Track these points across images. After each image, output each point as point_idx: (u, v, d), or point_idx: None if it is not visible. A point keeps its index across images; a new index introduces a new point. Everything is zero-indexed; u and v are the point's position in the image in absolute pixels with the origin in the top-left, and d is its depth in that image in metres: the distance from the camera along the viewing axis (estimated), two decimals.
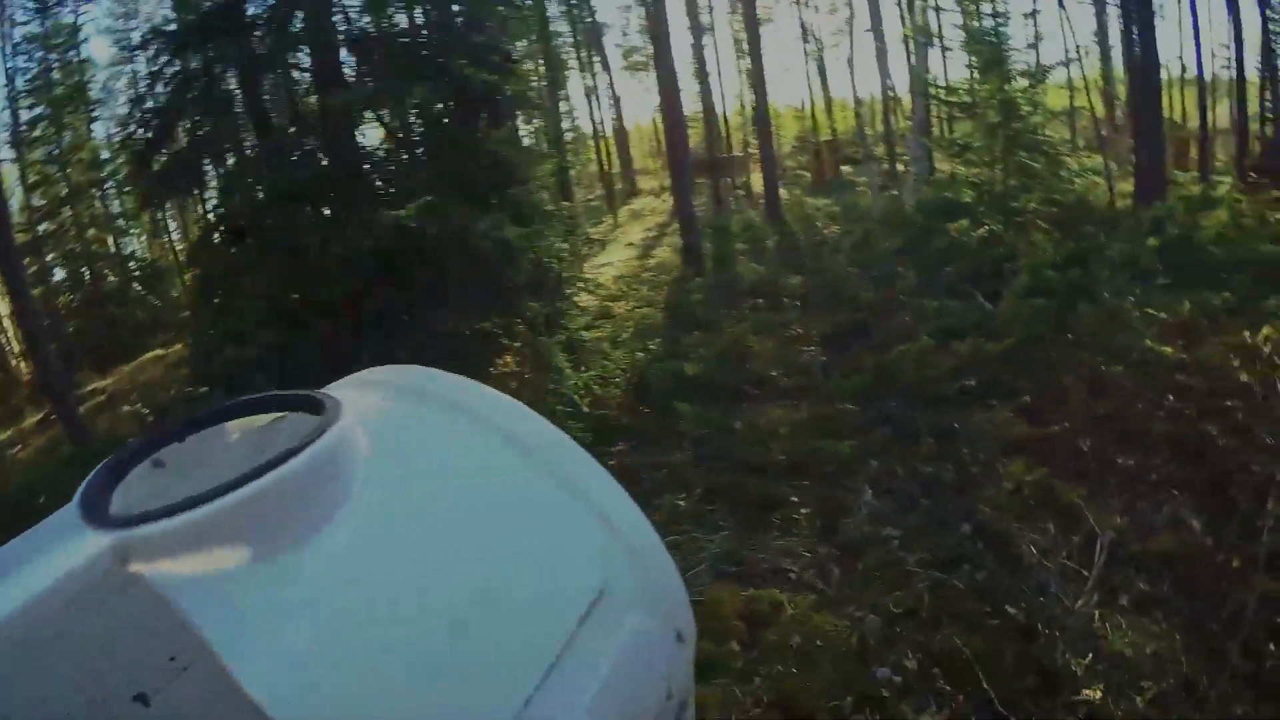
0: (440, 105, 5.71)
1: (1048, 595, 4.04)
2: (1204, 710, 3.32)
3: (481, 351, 5.37)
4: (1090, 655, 3.63)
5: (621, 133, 29.84)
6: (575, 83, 27.82)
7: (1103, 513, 4.52)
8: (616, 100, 28.53)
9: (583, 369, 6.93)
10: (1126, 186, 14.79)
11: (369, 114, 6.16)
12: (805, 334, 9.14)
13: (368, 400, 0.99)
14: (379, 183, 5.67)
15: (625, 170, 29.41)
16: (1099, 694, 3.40)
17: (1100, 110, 19.18)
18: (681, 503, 5.58)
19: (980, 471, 5.33)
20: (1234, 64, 16.90)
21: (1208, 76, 17.92)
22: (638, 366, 7.62)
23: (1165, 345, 6.62)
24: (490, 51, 5.62)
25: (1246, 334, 6.44)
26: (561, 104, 22.88)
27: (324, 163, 5.85)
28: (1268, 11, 15.47)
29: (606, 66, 27.67)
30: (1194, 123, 17.51)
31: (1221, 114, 18.29)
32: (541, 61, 15.86)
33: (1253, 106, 16.50)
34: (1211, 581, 3.99)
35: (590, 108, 28.91)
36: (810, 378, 7.66)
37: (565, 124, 22.52)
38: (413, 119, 5.84)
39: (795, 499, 5.36)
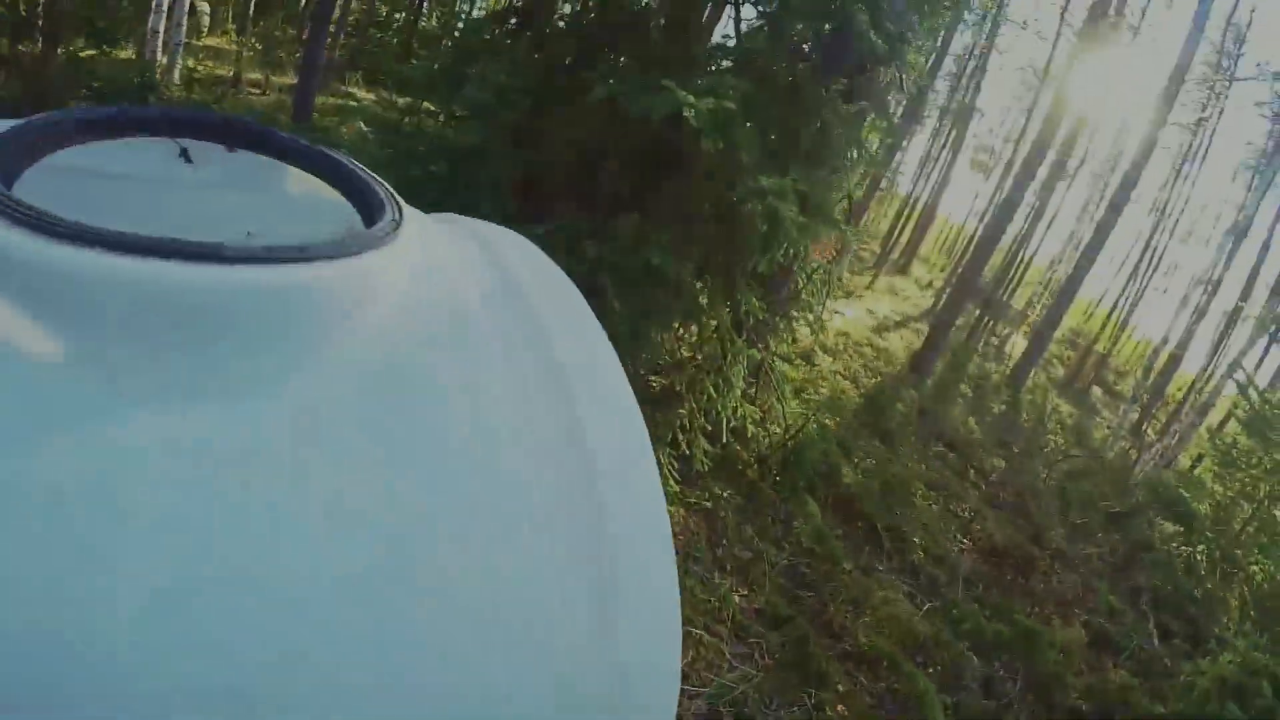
0: (809, 34, 4.77)
1: None
2: None
3: (666, 302, 4.50)
4: None
5: (929, 212, 29.27)
6: (919, 142, 27.35)
7: None
8: (944, 182, 27.92)
9: (753, 397, 6.06)
10: None
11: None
12: (971, 525, 8.13)
13: (441, 249, 0.76)
14: (698, 67, 4.78)
15: (910, 247, 28.99)
16: None
17: None
18: (738, 599, 4.87)
19: None
20: None
21: None
22: (803, 434, 6.77)
23: None
24: (892, 20, 4.60)
25: None
26: (897, 138, 22.50)
27: (661, 19, 5.05)
28: None
29: (956, 147, 26.90)
30: None
31: None
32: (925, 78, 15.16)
33: None
34: None
35: (917, 173, 28.62)
36: (947, 576, 6.63)
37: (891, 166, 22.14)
38: (765, 30, 4.90)
39: (841, 689, 4.63)
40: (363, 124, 10.77)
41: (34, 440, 0.48)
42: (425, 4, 20.76)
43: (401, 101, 6.37)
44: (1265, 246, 22.42)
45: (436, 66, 5.62)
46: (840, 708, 4.41)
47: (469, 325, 0.70)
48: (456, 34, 7.52)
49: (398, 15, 20.74)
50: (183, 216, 0.69)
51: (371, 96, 15.73)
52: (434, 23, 20.74)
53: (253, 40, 16.76)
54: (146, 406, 0.52)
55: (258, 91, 14.35)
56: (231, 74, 14.39)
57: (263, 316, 0.55)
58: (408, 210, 0.75)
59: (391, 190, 0.74)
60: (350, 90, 16.21)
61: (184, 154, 0.73)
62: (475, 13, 21.89)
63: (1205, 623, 7.97)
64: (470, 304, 0.72)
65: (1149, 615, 7.91)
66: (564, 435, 0.66)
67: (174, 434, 0.52)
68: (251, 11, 17.73)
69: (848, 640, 5.05)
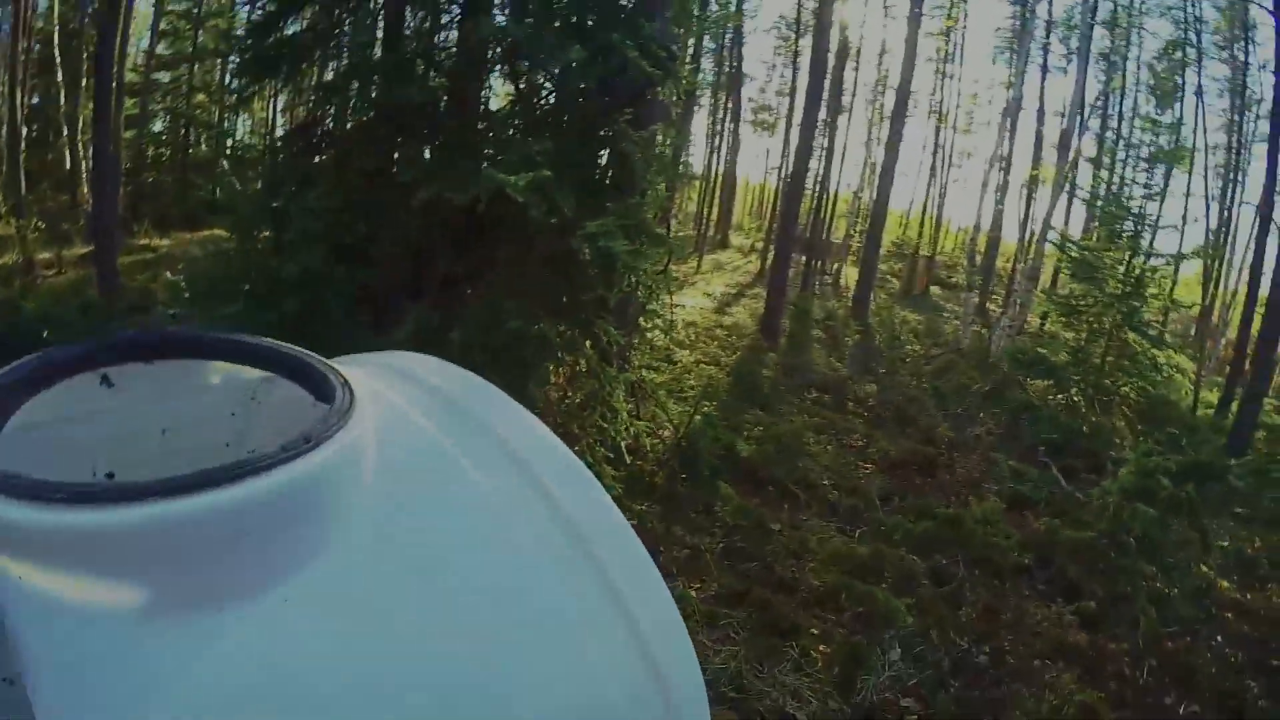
0: (589, 82, 5.14)
1: None
2: None
3: (536, 361, 4.77)
4: None
5: (730, 183, 30.15)
6: (701, 119, 28.29)
7: None
8: (735, 150, 28.99)
9: (637, 413, 6.31)
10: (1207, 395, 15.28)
11: (504, 68, 5.63)
12: (868, 450, 8.72)
13: (385, 399, 0.76)
14: (493, 138, 5.09)
15: (722, 220, 29.84)
16: None
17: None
18: (695, 594, 5.10)
19: (1020, 666, 4.95)
20: None
21: None
22: (692, 428, 7.08)
23: (1225, 581, 6.49)
24: (657, 44, 5.03)
25: None
26: (686, 134, 23.16)
27: (441, 99, 5.32)
28: None
29: (736, 116, 27.90)
30: None
31: None
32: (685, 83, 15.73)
33: None
34: None
35: (708, 149, 29.51)
36: (864, 500, 7.12)
37: (684, 154, 22.82)
38: (550, 87, 5.26)
39: (816, 632, 4.90)
40: (171, 274, 10.52)
41: (138, 696, 0.51)
42: (192, 132, 20.23)
43: (215, 247, 6.35)
44: (1040, 114, 24.47)
45: (249, 208, 5.68)
46: (821, 648, 4.69)
47: (439, 456, 0.72)
48: (242, 159, 7.52)
49: (164, 151, 20.13)
50: (144, 444, 0.71)
51: (167, 241, 15.25)
52: (204, 149, 20.28)
53: (34, 220, 15.87)
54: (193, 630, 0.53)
55: (52, 272, 13.62)
56: (19, 259, 13.55)
57: (252, 526, 0.56)
58: (342, 362, 0.78)
59: (318, 357, 0.75)
60: (145, 242, 15.67)
61: (105, 380, 0.72)
62: (245, 136, 21.58)
63: (1100, 452, 8.83)
64: (429, 437, 0.74)
65: (1049, 465, 8.71)
66: (563, 534, 0.70)
67: (230, 645, 0.53)
68: (23, 189, 16.87)
69: (803, 589, 5.34)
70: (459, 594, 0.63)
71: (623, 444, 5.93)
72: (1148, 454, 7.16)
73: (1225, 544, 7.18)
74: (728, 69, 27.39)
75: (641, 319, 6.25)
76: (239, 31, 17.38)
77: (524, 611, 0.65)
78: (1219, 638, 5.56)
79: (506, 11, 5.67)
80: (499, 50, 5.17)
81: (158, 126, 20.47)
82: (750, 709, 4.14)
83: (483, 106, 5.82)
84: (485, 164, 4.07)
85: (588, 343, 5.20)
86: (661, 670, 0.69)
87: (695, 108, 24.41)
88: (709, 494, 6.43)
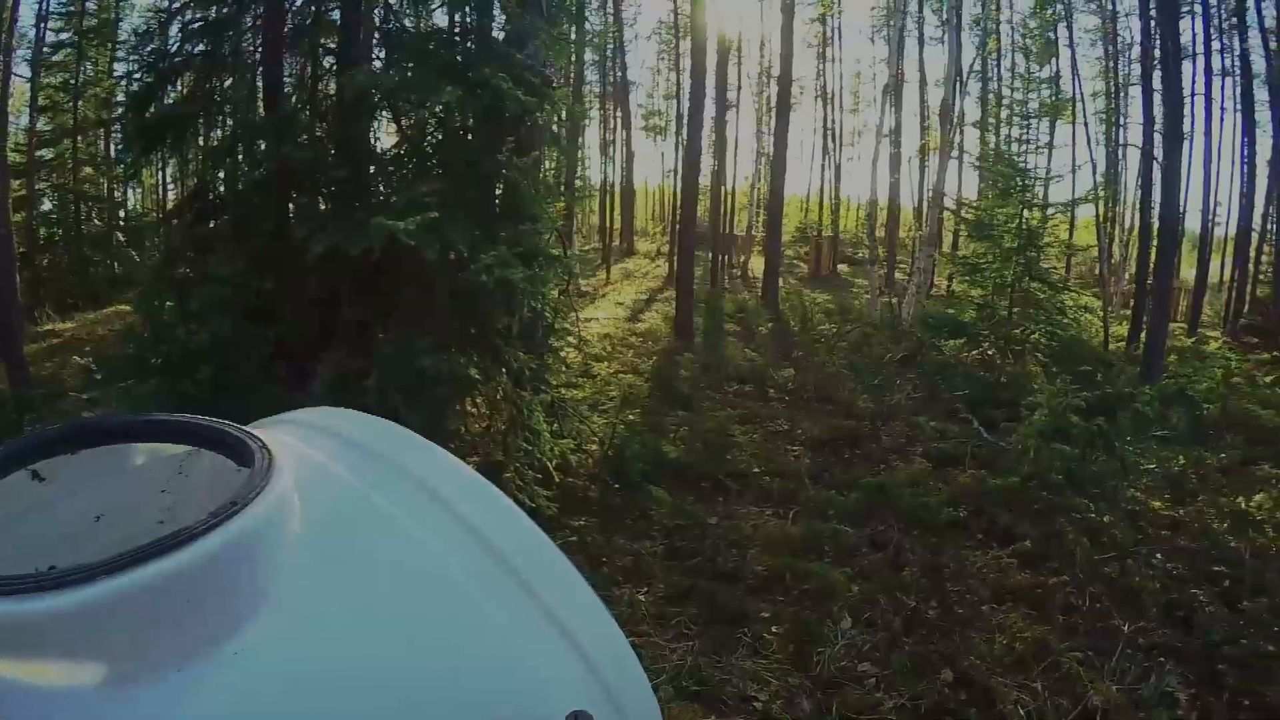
0: (467, 118, 5.25)
1: None
2: None
3: (451, 396, 4.86)
4: None
5: (629, 191, 30.50)
6: (593, 132, 28.49)
7: (1091, 674, 4.33)
8: (629, 158, 29.27)
9: (559, 432, 6.44)
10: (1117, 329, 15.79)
11: (387, 113, 5.72)
12: (793, 433, 8.91)
13: (305, 455, 0.80)
14: (382, 187, 5.17)
15: (625, 229, 30.00)
16: None
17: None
18: (643, 598, 5.17)
19: (968, 614, 5.11)
20: (1239, 223, 17.79)
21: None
22: (616, 438, 7.23)
23: (1157, 501, 6.81)
24: (530, 72, 5.17)
25: (1240, 499, 6.68)
26: (578, 150, 23.26)
27: (329, 151, 5.38)
28: None
29: (627, 124, 28.21)
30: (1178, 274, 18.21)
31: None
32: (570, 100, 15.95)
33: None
34: None
35: (603, 160, 29.69)
36: (795, 482, 7.29)
37: (578, 170, 22.94)
38: (432, 126, 5.38)
39: (767, 615, 5.01)
40: (79, 358, 10.28)
41: None
42: (82, 208, 19.69)
43: (121, 324, 6.29)
44: (921, 86, 25.27)
45: (151, 280, 5.64)
46: (773, 630, 4.79)
47: (362, 503, 0.76)
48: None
49: (56, 230, 19.57)
50: (81, 532, 0.73)
51: (71, 324, 14.86)
52: (97, 223, 19.78)
53: None
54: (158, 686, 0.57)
55: None
56: None
57: (190, 592, 0.59)
58: (259, 425, 0.83)
59: (234, 425, 0.77)
60: (49, 327, 15.23)
61: (35, 475, 0.74)
62: (136, 205, 21.10)
63: (1018, 400, 9.06)
64: (349, 486, 0.78)
65: (970, 419, 9.05)
66: (492, 562, 0.75)
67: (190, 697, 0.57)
68: None
69: (747, 576, 5.45)
70: (400, 630, 0.68)
71: (550, 464, 6.03)
72: (1058, 395, 7.51)
73: (1152, 466, 7.52)
74: (613, 79, 27.68)
75: (552, 339, 6.36)
76: (120, 98, 17.03)
77: (464, 640, 0.70)
78: (1158, 555, 5.81)
79: (381, 57, 5.80)
80: (378, 97, 5.24)
81: (46, 206, 19.86)
82: (713, 699, 4.19)
83: (374, 151, 5.88)
84: (378, 212, 4.15)
85: (502, 371, 5.30)
86: (609, 681, 0.74)
87: (584, 122, 24.61)
88: (643, 500, 6.53)
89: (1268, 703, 4.15)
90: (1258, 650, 4.61)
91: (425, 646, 0.68)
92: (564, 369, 7.26)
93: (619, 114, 28.63)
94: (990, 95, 24.86)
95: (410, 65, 5.28)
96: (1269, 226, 19.04)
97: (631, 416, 8.41)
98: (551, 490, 6.09)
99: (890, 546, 5.93)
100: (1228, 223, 20.19)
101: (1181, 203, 14.30)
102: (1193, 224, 19.25)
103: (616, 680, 0.75)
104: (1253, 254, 18.78)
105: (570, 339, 6.48)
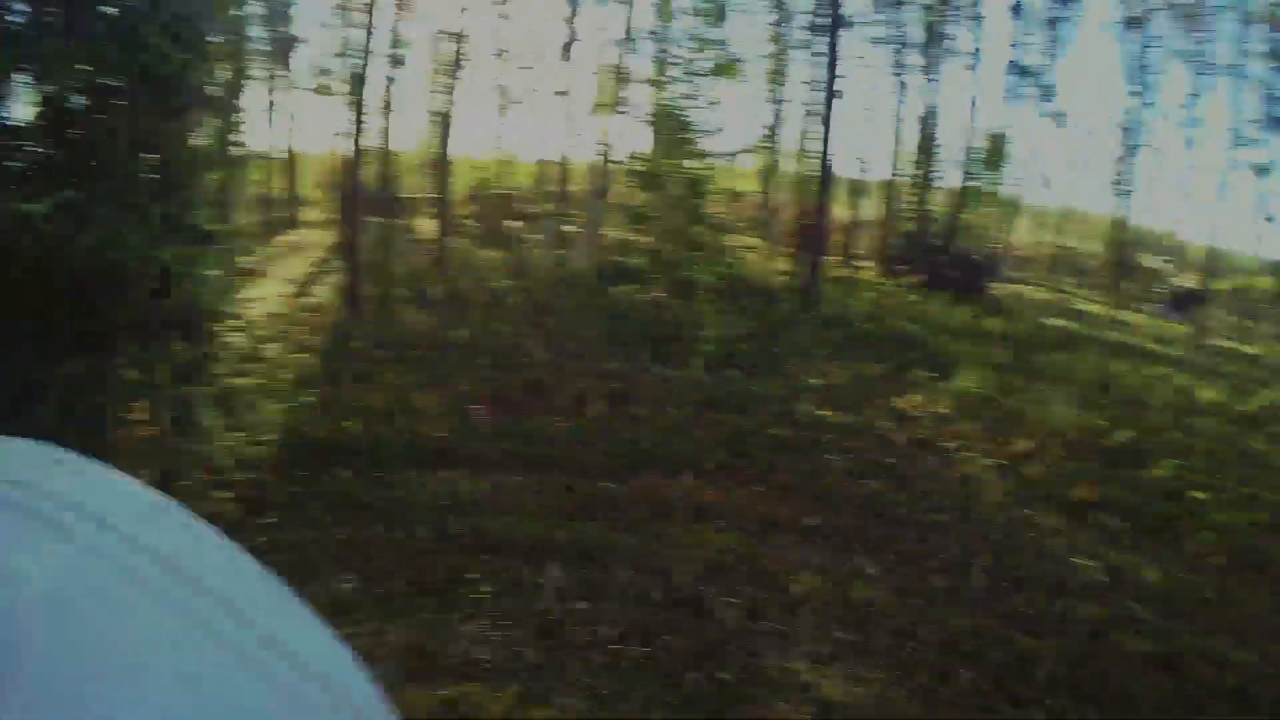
0: (113, 82, 4.59)
1: (758, 656, 4.25)
2: None
3: (109, 402, 4.32)
4: (813, 709, 3.91)
5: (293, 157, 28.20)
6: (253, 93, 26.07)
7: (794, 570, 4.89)
8: (294, 121, 26.78)
9: (233, 425, 5.95)
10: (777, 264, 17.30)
11: (30, 82, 4.85)
12: (475, 392, 8.76)
13: None
14: (14, 165, 4.36)
15: (289, 198, 27.80)
16: None
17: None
18: (349, 585, 4.95)
19: (673, 538, 5.43)
20: (891, 170, 21.37)
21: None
22: (294, 422, 6.85)
23: (829, 409, 7.57)
24: (185, 27, 4.61)
25: (899, 401, 7.67)
26: (237, 114, 21.19)
27: None
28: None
29: (293, 84, 26.00)
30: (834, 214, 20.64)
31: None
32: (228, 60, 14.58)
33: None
34: (901, 623, 4.60)
35: (266, 124, 27.36)
36: (483, 441, 7.28)
37: (237, 135, 21.00)
38: (72, 95, 4.61)
39: (477, 576, 5.01)
40: None
41: None
42: None
43: None
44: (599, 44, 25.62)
45: None
46: (484, 589, 4.82)
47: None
48: None
49: None
50: None
51: None
52: None
53: None
54: None
55: None
56: None
57: None
58: None
59: None
60: None
61: None
62: None
63: (689, 335, 9.75)
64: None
65: (639, 359, 9.48)
66: (164, 575, 0.69)
67: None
68: None
69: (450, 542, 5.38)
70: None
71: (230, 461, 5.59)
72: (726, 327, 8.18)
73: (821, 380, 8.35)
74: (278, 35, 25.34)
75: (214, 324, 5.81)
76: None
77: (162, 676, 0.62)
78: (831, 453, 6.64)
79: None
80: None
81: None
82: (442, 670, 4.17)
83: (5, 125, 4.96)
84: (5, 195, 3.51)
85: (163, 367, 4.78)
86: (332, 684, 0.65)
87: (242, 82, 22.49)
88: (331, 483, 6.23)
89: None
90: (934, 522, 5.55)
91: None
92: (231, 356, 6.66)
93: (285, 73, 26.28)
94: (664, 54, 26.05)
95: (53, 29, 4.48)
96: (916, 172, 21.78)
97: (307, 397, 7.92)
98: (231, 490, 5.66)
99: (578, 489, 6.16)
100: (881, 170, 23.06)
101: (837, 152, 16.18)
102: (851, 172, 22.41)
103: (338, 679, 0.66)
104: (901, 196, 21.57)
105: (234, 323, 5.93)
